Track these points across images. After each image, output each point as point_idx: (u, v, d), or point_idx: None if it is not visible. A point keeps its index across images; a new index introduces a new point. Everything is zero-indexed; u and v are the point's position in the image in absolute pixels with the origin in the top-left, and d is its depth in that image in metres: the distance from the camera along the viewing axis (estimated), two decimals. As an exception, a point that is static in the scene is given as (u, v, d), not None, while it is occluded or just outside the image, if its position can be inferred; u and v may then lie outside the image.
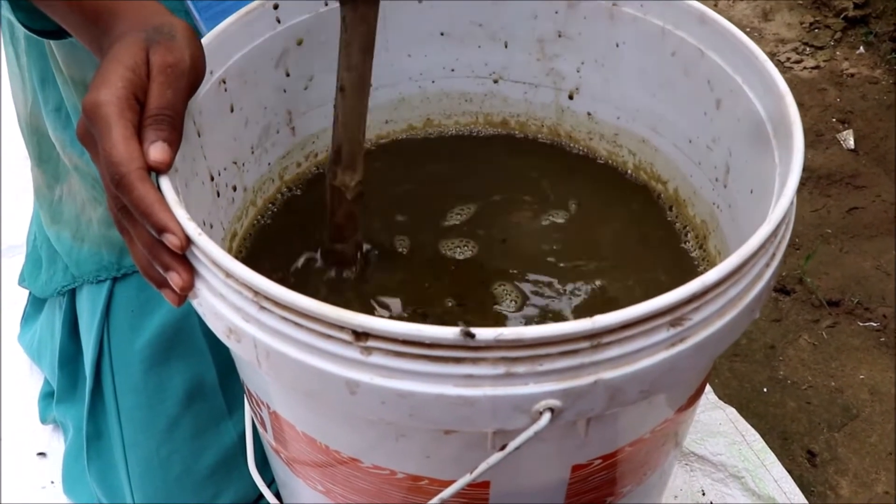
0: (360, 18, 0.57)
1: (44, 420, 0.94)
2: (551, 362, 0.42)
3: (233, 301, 0.46)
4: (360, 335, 0.42)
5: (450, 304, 0.62)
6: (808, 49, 1.57)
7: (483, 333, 0.41)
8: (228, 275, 0.46)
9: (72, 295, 0.84)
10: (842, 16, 1.61)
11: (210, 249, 0.46)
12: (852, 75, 1.51)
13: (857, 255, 1.20)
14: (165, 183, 0.49)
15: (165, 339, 0.78)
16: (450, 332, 0.41)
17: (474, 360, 0.42)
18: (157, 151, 0.48)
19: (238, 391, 0.79)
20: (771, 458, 0.91)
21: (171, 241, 0.47)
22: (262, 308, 0.45)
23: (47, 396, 0.93)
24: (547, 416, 0.44)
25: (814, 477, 0.94)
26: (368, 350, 0.43)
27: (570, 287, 0.63)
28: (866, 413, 1.00)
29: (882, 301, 1.13)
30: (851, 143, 1.37)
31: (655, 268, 0.65)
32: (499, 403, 0.43)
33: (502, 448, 0.45)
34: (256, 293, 0.45)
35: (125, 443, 0.78)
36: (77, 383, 0.86)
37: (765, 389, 1.03)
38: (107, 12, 0.54)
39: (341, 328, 0.43)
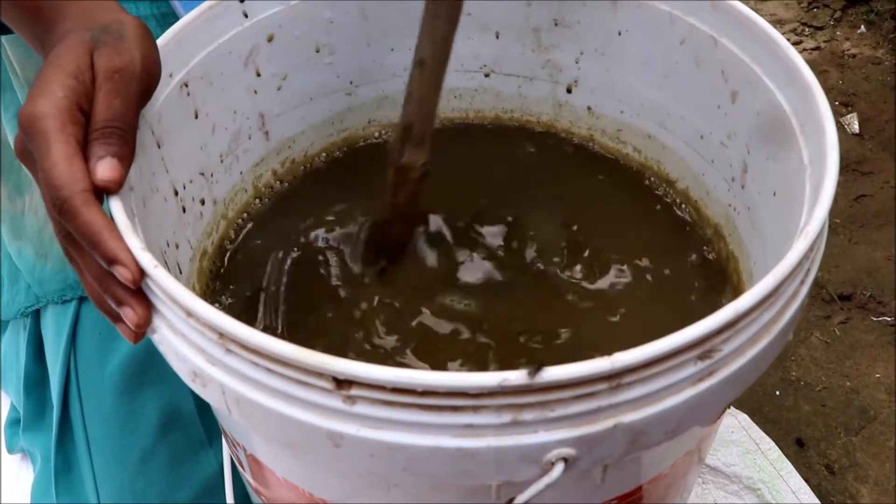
0: None
1: (10, 449, 0.88)
2: (564, 407, 0.37)
3: (196, 342, 0.40)
4: (343, 383, 0.37)
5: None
6: (807, 30, 1.52)
7: (484, 379, 0.35)
8: (189, 314, 0.40)
9: (36, 316, 0.78)
10: (841, -6, 1.55)
11: (168, 285, 0.40)
12: (854, 56, 1.46)
13: (867, 246, 1.15)
14: (116, 205, 0.43)
15: (137, 363, 0.72)
16: (445, 379, 0.35)
17: (475, 409, 0.36)
18: (105, 169, 0.42)
19: (218, 418, 0.74)
20: (788, 467, 0.86)
21: (123, 274, 0.41)
22: (229, 351, 0.39)
23: (13, 424, 0.87)
24: (560, 467, 0.38)
25: (832, 485, 0.89)
26: (352, 399, 0.37)
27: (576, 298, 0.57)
28: (884, 415, 0.95)
29: (895, 294, 1.08)
30: (856, 128, 1.32)
31: (666, 278, 0.60)
32: (504, 455, 0.38)
33: (509, 502, 0.39)
34: (221, 335, 0.39)
35: (96, 476, 0.72)
36: (45, 410, 0.80)
37: (777, 392, 0.98)
38: (49, 7, 0.48)
39: (320, 375, 0.37)
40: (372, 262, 0.59)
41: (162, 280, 0.40)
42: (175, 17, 0.63)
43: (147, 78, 0.45)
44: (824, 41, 1.51)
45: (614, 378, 0.36)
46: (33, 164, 0.43)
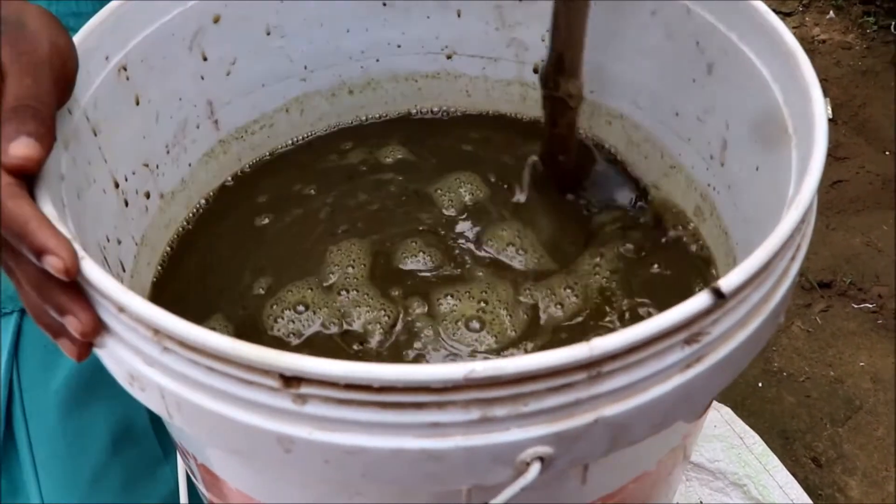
0: None
1: (-44, 469, 0.83)
2: (538, 401, 0.33)
3: (130, 341, 0.36)
4: (291, 380, 0.33)
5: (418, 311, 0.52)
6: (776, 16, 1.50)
7: (449, 371, 0.32)
8: (121, 309, 0.36)
9: (-25, 331, 0.73)
10: (809, -20, 1.53)
11: (95, 277, 0.36)
12: (824, 41, 1.44)
13: (845, 232, 1.12)
14: (42, 193, 0.39)
15: (85, 377, 0.67)
16: (405, 372, 0.32)
17: (440, 405, 0.33)
18: (18, 147, 0.37)
19: (174, 430, 0.69)
20: (774, 461, 0.83)
21: (54, 264, 0.37)
22: (167, 350, 0.35)
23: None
24: (536, 468, 0.34)
25: (820, 479, 0.86)
26: (303, 398, 0.33)
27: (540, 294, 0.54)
28: (870, 404, 0.93)
29: (876, 280, 1.06)
30: (829, 113, 1.29)
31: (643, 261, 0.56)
32: (474, 456, 0.34)
33: (481, 507, 0.36)
34: (157, 332, 0.35)
35: (44, 499, 0.67)
36: (-9, 430, 0.75)
37: (760, 384, 0.95)
38: None
39: (265, 372, 0.33)
40: (551, 192, 0.60)
41: (89, 272, 0.36)
42: None
43: (60, 61, 0.41)
44: (794, 27, 1.50)
45: (594, 366, 0.33)
46: None
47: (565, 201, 0.60)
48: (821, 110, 0.42)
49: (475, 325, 0.52)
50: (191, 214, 0.59)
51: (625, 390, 0.34)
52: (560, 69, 0.55)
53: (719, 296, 0.34)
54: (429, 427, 0.33)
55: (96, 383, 0.67)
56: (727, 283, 0.35)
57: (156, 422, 0.69)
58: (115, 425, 0.68)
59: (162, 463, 0.70)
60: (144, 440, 0.69)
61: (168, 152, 0.56)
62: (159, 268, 0.56)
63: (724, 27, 0.51)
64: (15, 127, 0.38)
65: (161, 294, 0.55)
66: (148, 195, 0.55)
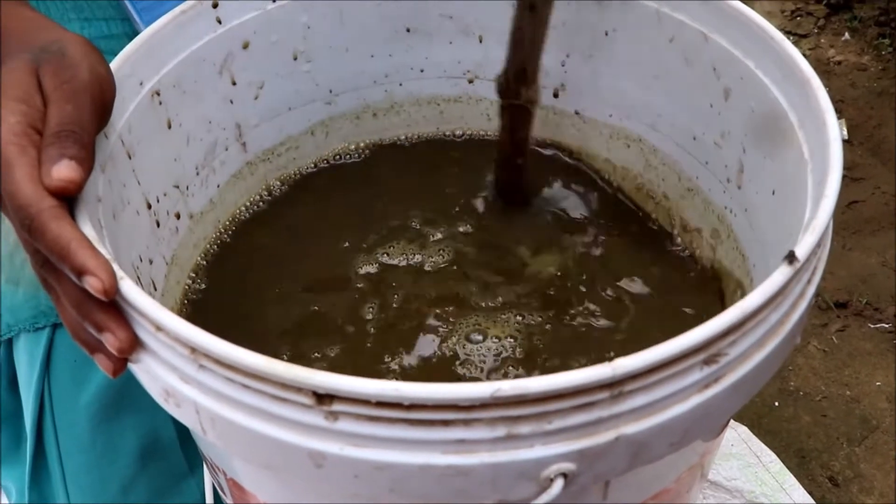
0: None
1: (-15, 482, 0.85)
2: (562, 419, 0.34)
3: (167, 358, 0.38)
4: (323, 398, 0.34)
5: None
6: (791, 38, 1.51)
7: (476, 390, 0.33)
8: (158, 328, 0.37)
9: (8, 345, 0.75)
10: (824, 2, 1.54)
11: (135, 297, 0.37)
12: (839, 63, 1.45)
13: (860, 252, 1.13)
14: (82, 216, 0.41)
15: (114, 390, 0.69)
16: (434, 391, 0.33)
17: (467, 422, 0.34)
18: (61, 170, 0.39)
19: (200, 445, 0.71)
20: (790, 480, 0.84)
21: (93, 284, 0.38)
22: (202, 367, 0.36)
23: (-13, 456, 0.83)
24: (559, 483, 0.35)
25: (837, 498, 0.87)
26: (334, 415, 0.34)
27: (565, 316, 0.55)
28: (886, 424, 0.93)
29: (892, 300, 1.06)
30: (845, 134, 1.30)
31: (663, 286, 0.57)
32: (500, 472, 0.35)
33: (505, 522, 0.37)
34: (193, 350, 0.36)
35: (73, 511, 0.69)
36: (20, 443, 0.77)
37: (776, 403, 0.96)
38: None
39: (299, 390, 0.34)
40: (512, 199, 0.63)
41: (128, 292, 0.37)
42: (118, 20, 0.62)
43: (98, 89, 0.43)
44: (809, 49, 1.51)
45: (616, 386, 0.34)
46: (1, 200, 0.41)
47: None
48: (836, 137, 0.43)
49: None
50: (218, 234, 0.61)
51: (645, 409, 0.35)
52: (522, 79, 0.59)
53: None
54: (456, 444, 0.34)
55: (125, 398, 0.69)
56: (744, 306, 0.36)
57: (182, 436, 0.70)
58: (143, 439, 0.69)
59: (187, 477, 0.71)
60: (171, 454, 0.70)
61: (197, 174, 0.58)
62: (187, 285, 0.58)
63: (741, 54, 0.52)
64: (58, 151, 0.39)
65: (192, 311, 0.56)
66: (178, 216, 0.56)
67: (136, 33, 0.65)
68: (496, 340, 0.53)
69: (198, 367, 0.36)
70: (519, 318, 0.54)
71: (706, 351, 0.35)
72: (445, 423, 0.34)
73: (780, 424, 0.94)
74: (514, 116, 0.61)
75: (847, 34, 1.51)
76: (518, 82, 0.60)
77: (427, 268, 0.58)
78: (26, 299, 0.72)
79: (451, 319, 0.54)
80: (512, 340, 0.53)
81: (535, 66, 0.60)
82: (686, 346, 0.34)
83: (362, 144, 0.67)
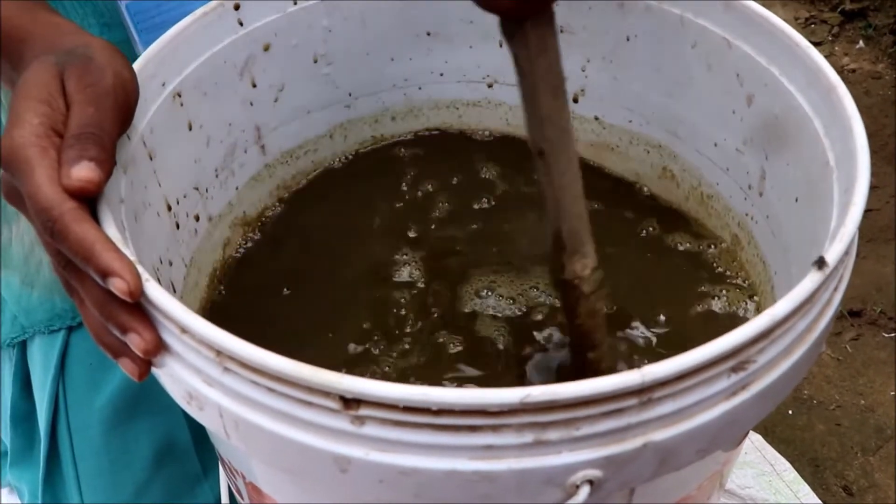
0: (538, 50, 0.43)
1: (-2, 483, 0.85)
2: (590, 425, 0.34)
3: (191, 361, 0.38)
4: (350, 402, 0.34)
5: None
6: (805, 45, 1.50)
7: (505, 395, 0.33)
8: (184, 330, 0.37)
9: (23, 347, 0.75)
10: (839, 10, 1.54)
11: (160, 299, 0.37)
12: (854, 71, 1.44)
13: (875, 261, 1.12)
14: (106, 217, 0.41)
15: (129, 394, 0.69)
16: (462, 396, 0.33)
17: (494, 428, 0.34)
18: (80, 170, 0.39)
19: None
20: (805, 489, 0.83)
21: (118, 286, 0.38)
22: (227, 370, 0.36)
23: (1, 457, 0.83)
24: (586, 490, 0.35)
25: (851, 507, 0.86)
26: (361, 420, 0.34)
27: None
28: (901, 433, 0.92)
29: (906, 309, 1.06)
30: (859, 142, 1.30)
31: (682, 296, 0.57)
32: (526, 478, 0.35)
33: (530, 529, 0.37)
34: (219, 353, 0.36)
35: (87, 514, 0.69)
36: (34, 444, 0.77)
37: (790, 412, 0.95)
38: (11, 38, 0.46)
39: (326, 394, 0.34)
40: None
41: (154, 294, 0.37)
42: (118, 26, 0.61)
43: (123, 92, 0.43)
44: (824, 56, 1.50)
45: (645, 393, 0.34)
46: (22, 203, 0.41)
47: None
48: (863, 144, 0.43)
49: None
50: (237, 237, 0.61)
51: (673, 416, 0.35)
52: (559, 247, 0.45)
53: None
54: (483, 449, 0.34)
55: (141, 401, 0.69)
56: (773, 313, 0.35)
57: (197, 439, 0.70)
58: (158, 442, 0.69)
59: (201, 480, 0.71)
60: (186, 457, 0.70)
61: (217, 176, 0.58)
62: (206, 288, 0.58)
63: (765, 60, 0.52)
64: (77, 152, 0.39)
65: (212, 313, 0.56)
66: (197, 218, 0.56)
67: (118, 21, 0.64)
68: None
69: (223, 369, 0.36)
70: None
71: (735, 358, 0.35)
72: (473, 428, 0.34)
73: (794, 433, 0.93)
74: (567, 296, 0.47)
75: (861, 42, 1.51)
76: (557, 251, 0.46)
77: (453, 265, 0.58)
78: (41, 302, 0.72)
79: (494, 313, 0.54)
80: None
81: (574, 229, 0.45)
82: (715, 353, 0.34)
83: (381, 147, 0.67)
